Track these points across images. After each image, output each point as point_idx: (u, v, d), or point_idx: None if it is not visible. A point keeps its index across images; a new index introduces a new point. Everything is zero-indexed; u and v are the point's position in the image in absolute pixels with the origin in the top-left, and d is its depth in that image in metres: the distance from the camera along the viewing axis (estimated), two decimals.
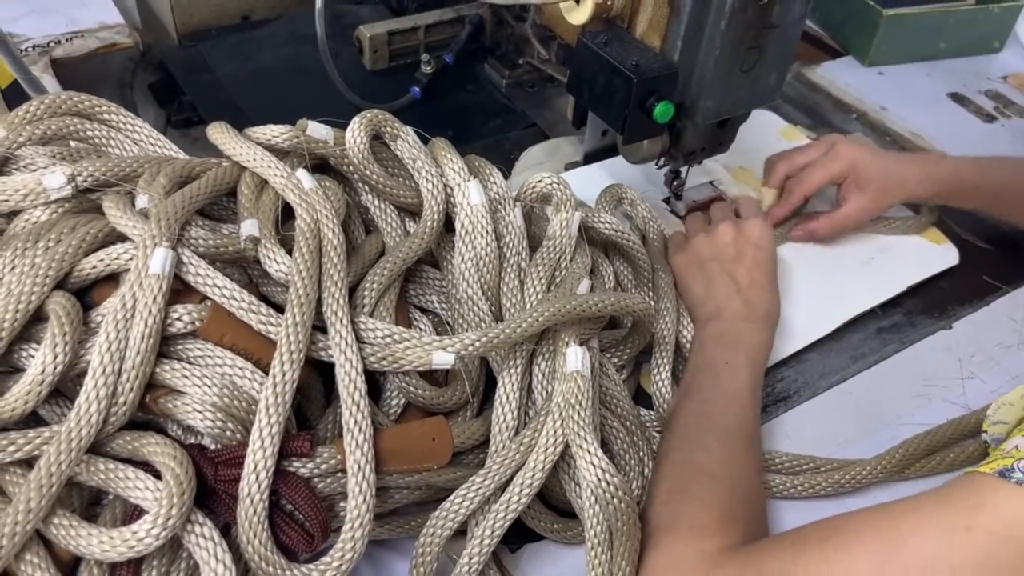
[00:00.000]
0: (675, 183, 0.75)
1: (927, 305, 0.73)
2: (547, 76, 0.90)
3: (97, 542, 0.40)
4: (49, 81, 0.85)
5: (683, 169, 0.74)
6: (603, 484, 0.48)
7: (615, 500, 0.47)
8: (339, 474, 0.47)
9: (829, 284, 0.73)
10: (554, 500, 0.54)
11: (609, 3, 0.64)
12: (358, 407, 0.46)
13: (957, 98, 1.00)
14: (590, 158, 0.81)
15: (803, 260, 0.75)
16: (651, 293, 0.66)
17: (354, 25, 0.92)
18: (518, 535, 0.53)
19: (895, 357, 0.68)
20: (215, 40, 0.94)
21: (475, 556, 0.48)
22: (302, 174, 0.53)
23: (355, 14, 0.98)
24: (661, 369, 0.62)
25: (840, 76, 1.02)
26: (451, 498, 0.49)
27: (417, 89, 0.85)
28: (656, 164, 0.73)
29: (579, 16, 0.65)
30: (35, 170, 0.54)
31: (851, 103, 0.98)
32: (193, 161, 0.55)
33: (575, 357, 0.52)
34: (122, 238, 0.49)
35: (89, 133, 0.58)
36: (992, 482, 0.39)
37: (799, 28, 0.63)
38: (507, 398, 0.52)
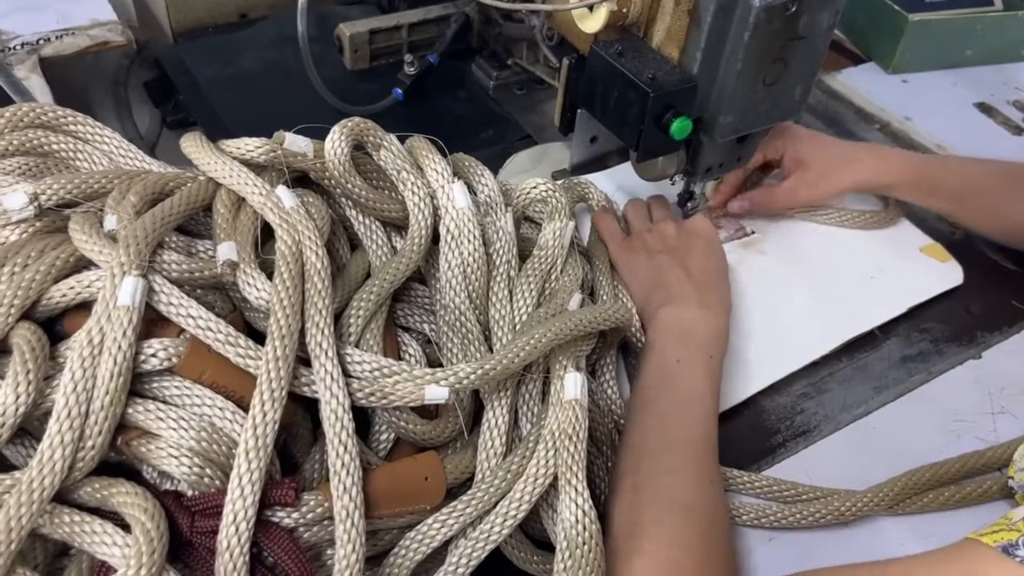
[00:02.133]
0: (688, 204, 0.71)
1: (954, 332, 0.69)
2: (536, 78, 0.86)
3: None
4: (37, 81, 0.81)
5: (697, 189, 0.70)
6: (579, 528, 0.45)
7: (586, 548, 0.45)
8: (326, 521, 0.43)
9: (828, 302, 0.69)
10: (531, 530, 0.51)
11: (624, 11, 0.60)
12: (345, 448, 0.42)
13: (984, 108, 0.96)
14: (578, 167, 0.77)
15: (802, 277, 0.71)
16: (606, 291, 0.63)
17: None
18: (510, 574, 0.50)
19: (922, 389, 0.64)
20: (196, 41, 0.91)
21: None
22: (282, 191, 0.49)
23: (344, 15, 0.94)
24: (608, 371, 0.60)
25: (862, 84, 0.98)
26: (428, 520, 0.45)
27: (399, 91, 0.81)
28: (671, 181, 0.69)
29: (593, 24, 0.61)
30: None
31: (874, 113, 0.94)
32: (166, 176, 0.51)
33: (574, 384, 0.49)
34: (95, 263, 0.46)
35: (55, 146, 0.54)
36: (993, 556, 0.37)
37: (827, 39, 0.59)
38: (495, 423, 0.49)
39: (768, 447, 0.60)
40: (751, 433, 0.60)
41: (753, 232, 0.74)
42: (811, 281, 0.71)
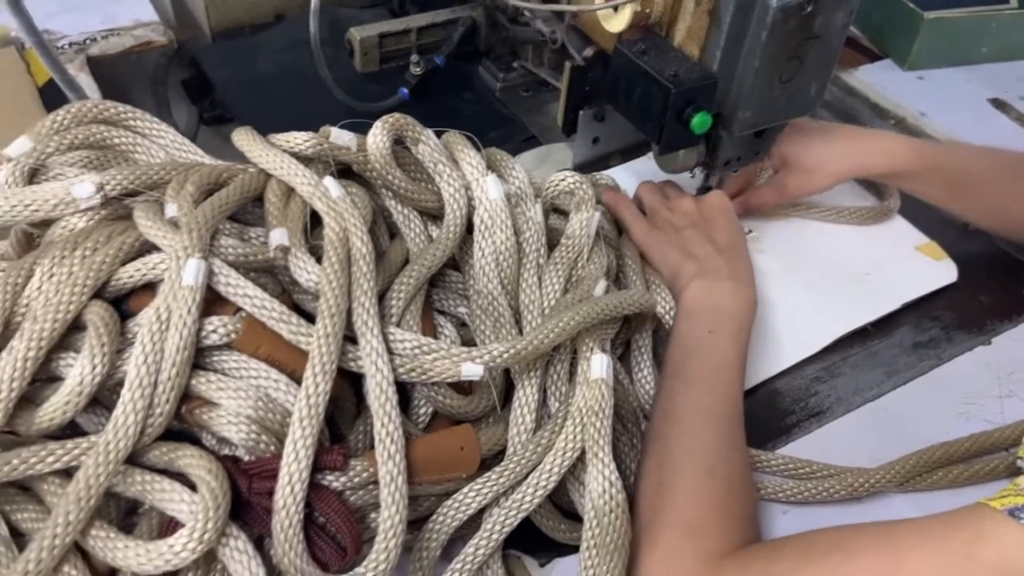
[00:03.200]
0: None
1: (965, 320, 0.72)
2: (541, 80, 0.88)
3: (134, 555, 0.40)
4: (85, 79, 0.86)
5: (714, 182, 0.73)
6: (606, 497, 0.49)
7: (612, 515, 0.48)
8: (371, 486, 0.47)
9: (821, 298, 0.71)
10: (561, 503, 0.54)
11: (647, 11, 0.63)
12: (390, 418, 0.46)
13: (999, 104, 0.98)
14: (581, 167, 0.80)
15: (793, 271, 0.74)
16: (637, 282, 0.65)
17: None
18: (548, 548, 0.53)
19: (932, 373, 0.67)
20: (222, 44, 0.94)
21: (481, 548, 0.49)
22: (329, 182, 0.53)
23: (356, 19, 0.97)
24: (643, 354, 0.62)
25: (878, 80, 1.00)
26: (464, 489, 0.49)
27: (405, 90, 0.84)
28: (691, 174, 0.72)
29: (617, 24, 0.64)
30: (64, 179, 0.54)
31: (889, 108, 0.96)
32: (219, 167, 0.55)
33: (600, 364, 0.52)
34: (158, 247, 0.50)
35: (116, 140, 0.58)
36: (1000, 518, 0.39)
37: (842, 38, 0.62)
38: (526, 400, 0.53)
39: (783, 427, 0.63)
40: (766, 414, 0.63)
41: (751, 231, 0.76)
42: (807, 278, 0.73)
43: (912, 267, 0.75)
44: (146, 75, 0.94)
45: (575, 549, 0.52)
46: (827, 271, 0.74)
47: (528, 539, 0.53)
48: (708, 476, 0.51)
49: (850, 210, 0.79)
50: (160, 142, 0.58)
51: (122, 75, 0.92)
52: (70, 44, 0.89)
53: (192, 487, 0.43)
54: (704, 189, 0.74)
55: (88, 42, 0.89)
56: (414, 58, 0.84)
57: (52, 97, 0.80)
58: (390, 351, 0.49)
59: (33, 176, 0.54)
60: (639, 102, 0.63)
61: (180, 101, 0.93)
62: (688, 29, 0.62)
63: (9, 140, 0.56)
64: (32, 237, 0.56)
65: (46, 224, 0.53)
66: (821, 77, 0.64)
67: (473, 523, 0.51)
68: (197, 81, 0.93)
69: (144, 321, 0.45)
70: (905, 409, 0.64)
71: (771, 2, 0.56)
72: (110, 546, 0.40)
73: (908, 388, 0.66)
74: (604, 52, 0.70)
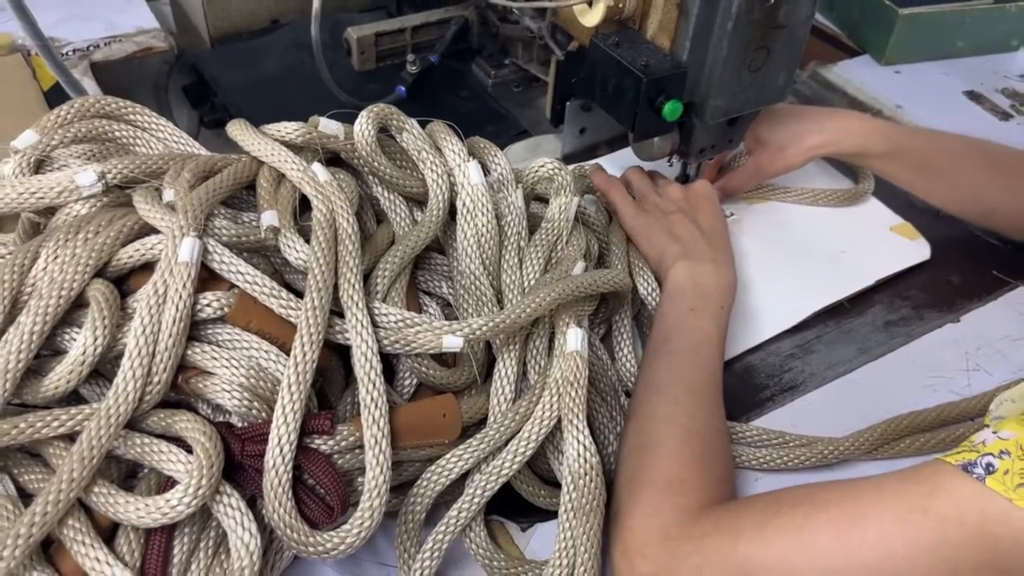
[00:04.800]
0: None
1: (936, 299, 0.74)
2: (531, 76, 0.92)
3: (134, 509, 0.43)
4: (89, 84, 0.89)
5: (691, 170, 0.76)
6: (581, 460, 0.51)
7: (587, 478, 0.51)
8: (357, 450, 0.49)
9: (797, 276, 0.74)
10: (540, 471, 0.56)
11: (620, 5, 0.66)
12: (374, 385, 0.49)
13: (973, 96, 1.01)
14: (569, 157, 0.83)
15: (772, 251, 0.77)
16: (619, 265, 0.69)
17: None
18: (529, 514, 0.56)
19: (902, 349, 0.70)
20: (225, 48, 0.98)
21: (463, 511, 0.51)
22: (317, 167, 0.56)
23: (355, 22, 1.00)
24: (623, 333, 0.65)
25: (856, 75, 1.03)
26: (447, 455, 0.52)
27: (403, 88, 0.87)
28: (668, 162, 0.75)
29: (592, 18, 0.67)
30: (67, 169, 0.57)
31: (866, 101, 0.99)
32: (214, 157, 0.58)
33: (575, 338, 0.55)
34: (155, 230, 0.53)
35: (117, 134, 0.61)
36: (953, 472, 0.41)
37: (806, 28, 0.65)
38: (505, 372, 0.55)
39: (757, 401, 0.65)
40: (741, 388, 0.66)
41: (732, 214, 0.79)
42: (785, 257, 0.76)
43: (886, 246, 0.78)
44: (147, 80, 0.98)
45: (554, 515, 0.55)
46: (804, 250, 0.77)
47: (509, 506, 0.56)
48: (687, 437, 0.54)
49: (826, 192, 0.82)
50: (159, 135, 0.61)
51: (124, 80, 0.96)
52: (74, 50, 0.92)
53: (188, 451, 0.46)
54: (683, 177, 0.77)
55: (91, 48, 0.93)
56: (410, 57, 0.87)
57: (57, 101, 0.83)
58: (375, 324, 0.52)
59: (39, 167, 0.57)
60: (614, 92, 0.66)
61: (181, 105, 0.96)
62: (659, 22, 0.65)
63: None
64: (38, 226, 0.59)
65: (51, 212, 0.56)
66: (789, 66, 0.67)
67: (456, 490, 0.54)
68: (197, 86, 0.96)
69: (142, 296, 0.48)
70: (875, 383, 0.67)
71: None
72: (111, 501, 0.43)
73: (878, 363, 0.68)
74: (582, 48, 0.73)
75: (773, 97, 0.69)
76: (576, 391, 0.53)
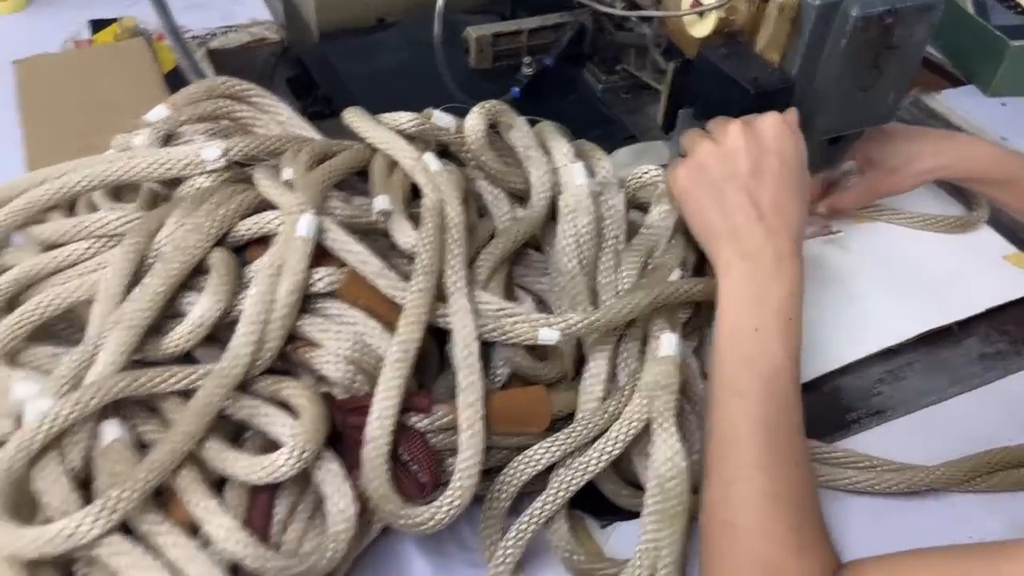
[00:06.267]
0: None
1: None
2: (642, 83, 0.92)
3: (241, 465, 0.45)
4: (207, 69, 0.93)
5: None
6: (669, 464, 0.52)
7: (674, 482, 0.51)
8: (450, 431, 0.51)
9: (899, 298, 0.73)
10: (624, 474, 0.56)
11: (732, 18, 0.66)
12: (472, 369, 0.50)
13: None
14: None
15: (875, 271, 0.75)
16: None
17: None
18: (609, 514, 0.56)
19: (997, 384, 0.68)
20: (339, 42, 1.01)
21: (548, 504, 0.52)
22: (429, 157, 0.58)
23: (465, 22, 1.03)
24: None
25: (960, 104, 1.01)
26: (535, 446, 0.53)
27: (517, 89, 0.89)
28: None
29: (701, 29, 0.68)
30: (193, 144, 0.60)
31: (970, 132, 0.97)
32: (329, 142, 0.61)
33: (670, 343, 0.55)
34: (271, 207, 0.55)
35: (239, 114, 0.64)
36: None
37: (920, 51, 0.64)
38: (596, 372, 0.56)
39: (843, 422, 0.64)
40: (828, 409, 0.65)
41: (839, 231, 0.79)
42: (889, 278, 0.75)
43: (997, 275, 0.76)
44: (255, 70, 1.02)
45: (633, 516, 0.55)
46: (908, 273, 0.76)
47: (589, 503, 0.56)
48: (775, 508, 0.48)
49: (937, 218, 0.80)
50: (277, 118, 0.64)
51: (233, 69, 0.99)
52: (193, 38, 0.97)
53: (292, 418, 0.48)
54: None
55: (209, 37, 0.98)
56: (526, 59, 0.89)
57: (175, 83, 0.88)
58: (475, 311, 0.53)
59: (167, 141, 0.61)
60: (719, 104, 0.66)
61: (284, 96, 1.00)
62: (770, 36, 0.65)
63: (133, 125, 0.64)
64: (157, 197, 0.62)
65: (174, 183, 0.59)
66: (899, 87, 0.66)
67: (538, 483, 0.54)
68: (301, 78, 1.00)
69: (261, 266, 0.51)
70: (966, 415, 0.65)
71: (852, 12, 0.59)
72: (221, 456, 0.45)
73: (971, 395, 0.67)
74: (688, 59, 0.74)
75: (880, 118, 0.68)
76: (669, 395, 0.53)
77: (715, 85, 0.66)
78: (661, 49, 0.81)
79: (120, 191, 0.62)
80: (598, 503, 0.56)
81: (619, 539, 0.56)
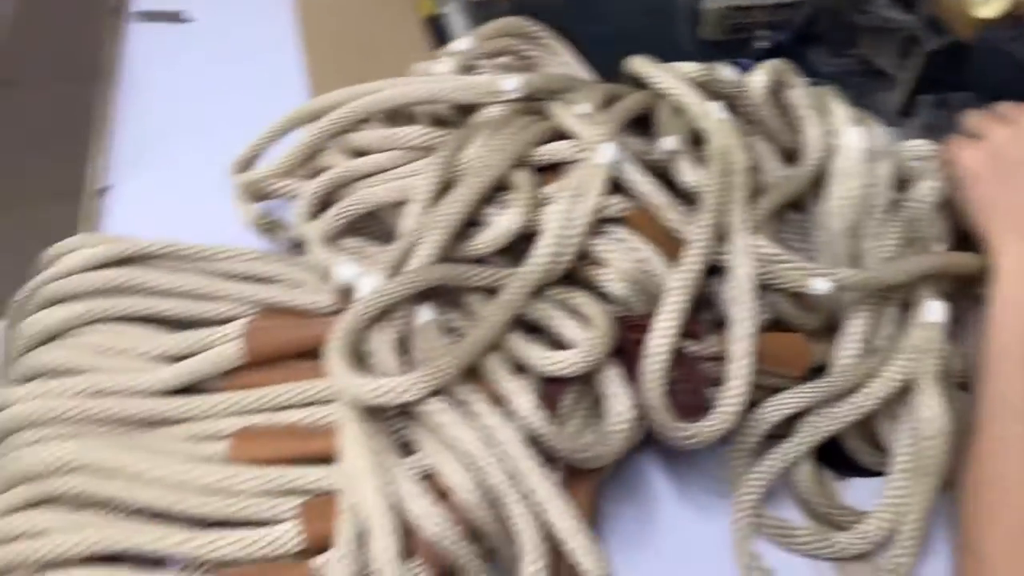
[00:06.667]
0: None
1: None
2: (872, 69, 0.90)
3: (538, 356, 0.50)
4: (459, 20, 1.00)
5: None
6: (933, 423, 0.52)
7: (935, 441, 0.52)
8: (717, 361, 0.54)
9: None
10: (863, 432, 0.57)
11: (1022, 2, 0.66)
12: (747, 305, 0.53)
13: None
14: None
15: None
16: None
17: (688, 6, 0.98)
18: (849, 469, 0.58)
19: None
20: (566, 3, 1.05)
21: (793, 447, 0.54)
22: (714, 106, 0.61)
23: None
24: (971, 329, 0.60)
25: None
26: (790, 390, 0.55)
27: (747, 61, 0.89)
28: None
29: (989, 11, 0.67)
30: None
31: None
32: (614, 86, 0.65)
33: (937, 310, 0.56)
34: (561, 138, 0.60)
35: (529, 52, 0.70)
36: None
37: None
38: (854, 331, 0.57)
39: None
40: None
41: None
42: None
43: None
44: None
45: (870, 475, 0.57)
46: None
47: (826, 458, 0.58)
48: None
49: None
50: (561, 60, 0.69)
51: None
52: None
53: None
54: None
55: None
56: (761, 33, 0.90)
57: (432, 30, 0.95)
58: (754, 252, 0.56)
59: (466, 71, 0.67)
60: (1002, 88, 0.65)
61: None
62: None
63: (395, 64, 0.70)
64: (443, 122, 0.68)
65: (466, 111, 0.65)
66: None
67: (784, 431, 0.56)
68: None
69: (563, 187, 0.55)
70: None
71: None
72: (522, 346, 0.50)
73: None
74: (958, 42, 0.73)
75: None
76: (932, 360, 0.54)
77: (999, 68, 0.66)
78: (908, 33, 0.79)
79: (395, 117, 0.68)
80: (834, 458, 0.58)
81: (855, 493, 0.57)
